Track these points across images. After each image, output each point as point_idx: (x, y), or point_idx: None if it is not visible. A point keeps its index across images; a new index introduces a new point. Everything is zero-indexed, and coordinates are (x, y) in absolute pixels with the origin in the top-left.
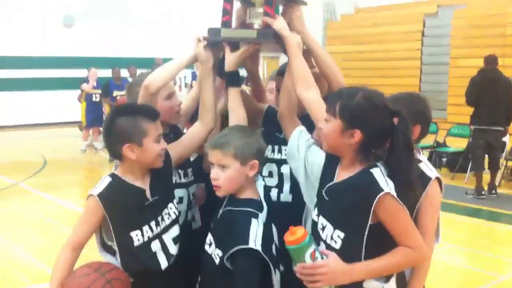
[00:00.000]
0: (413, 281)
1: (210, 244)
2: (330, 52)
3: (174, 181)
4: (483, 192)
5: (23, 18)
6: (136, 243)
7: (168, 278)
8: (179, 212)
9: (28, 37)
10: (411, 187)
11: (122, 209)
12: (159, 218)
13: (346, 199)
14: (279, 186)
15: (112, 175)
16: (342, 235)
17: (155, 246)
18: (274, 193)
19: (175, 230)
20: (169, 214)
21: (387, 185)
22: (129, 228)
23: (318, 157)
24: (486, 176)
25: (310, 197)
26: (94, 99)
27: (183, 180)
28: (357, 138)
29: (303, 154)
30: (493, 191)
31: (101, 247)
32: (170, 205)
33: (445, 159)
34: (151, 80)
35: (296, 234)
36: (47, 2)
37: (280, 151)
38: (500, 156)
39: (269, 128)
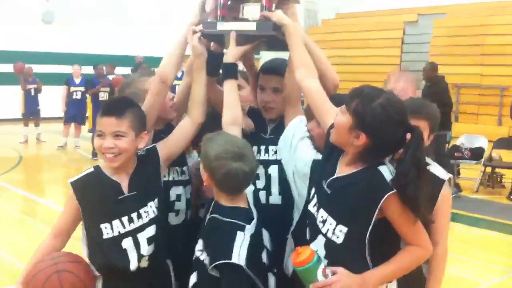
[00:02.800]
0: (431, 283)
1: (202, 251)
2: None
3: (172, 179)
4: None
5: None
6: (105, 236)
7: (139, 279)
8: (181, 211)
9: (9, 32)
10: (415, 205)
11: (93, 199)
12: (134, 215)
13: (353, 195)
14: (267, 188)
15: (95, 167)
16: (345, 230)
17: (127, 243)
18: (262, 195)
19: (151, 230)
20: (147, 212)
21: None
22: (99, 220)
23: (305, 153)
24: (463, 182)
25: (297, 188)
26: (75, 96)
27: (180, 178)
28: (361, 141)
29: (295, 144)
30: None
31: (82, 239)
32: (151, 203)
33: None
34: (164, 72)
35: (303, 254)
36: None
37: (267, 151)
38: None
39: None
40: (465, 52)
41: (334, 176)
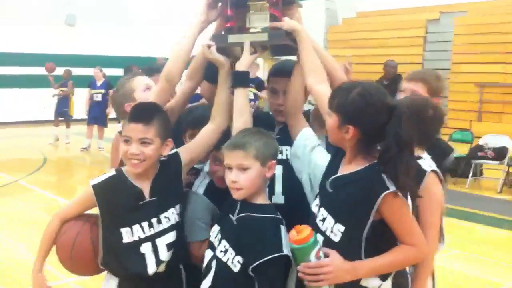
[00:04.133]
0: (417, 281)
1: (225, 252)
2: (331, 56)
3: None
4: None
5: (26, 15)
6: (125, 240)
7: (155, 283)
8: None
9: (31, 35)
10: (402, 186)
11: (113, 203)
12: (154, 220)
13: (351, 193)
14: (271, 187)
15: (117, 170)
16: (342, 228)
17: (146, 248)
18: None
19: (171, 236)
20: (168, 218)
21: (392, 184)
22: (119, 224)
23: (322, 160)
24: (486, 182)
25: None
26: (95, 98)
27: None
28: (351, 134)
29: (308, 155)
30: None
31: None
32: (172, 209)
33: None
34: (169, 71)
35: (302, 233)
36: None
37: None
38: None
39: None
40: (488, 50)
41: (336, 175)
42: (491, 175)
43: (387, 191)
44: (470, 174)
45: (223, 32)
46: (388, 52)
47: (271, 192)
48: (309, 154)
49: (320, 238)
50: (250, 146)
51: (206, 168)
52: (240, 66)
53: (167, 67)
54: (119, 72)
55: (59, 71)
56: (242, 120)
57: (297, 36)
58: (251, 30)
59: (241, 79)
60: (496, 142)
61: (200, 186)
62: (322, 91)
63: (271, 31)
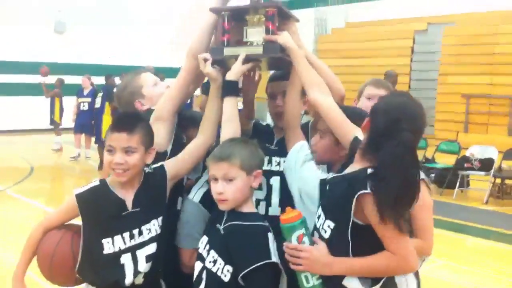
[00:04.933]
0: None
1: (214, 262)
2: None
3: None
4: None
5: (14, 23)
6: (105, 251)
7: None
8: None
9: (20, 42)
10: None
11: (96, 213)
12: (135, 231)
13: (339, 190)
14: (267, 199)
15: (101, 181)
16: (332, 225)
17: (125, 259)
18: (262, 206)
19: (151, 248)
20: (150, 230)
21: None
22: (101, 234)
23: (312, 176)
24: (473, 193)
25: (304, 207)
26: (82, 107)
27: None
28: (365, 124)
29: (299, 168)
30: None
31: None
32: (154, 221)
33: (433, 175)
34: (196, 49)
35: (289, 214)
36: (39, 8)
37: (270, 161)
38: None
39: (258, 140)
40: (475, 61)
41: (335, 175)
42: (477, 186)
43: (363, 191)
44: (457, 185)
45: (219, 45)
46: (376, 62)
47: (268, 204)
48: (300, 167)
49: (316, 235)
50: (235, 157)
51: (206, 176)
52: (230, 75)
53: (192, 43)
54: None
55: (51, 79)
56: (230, 129)
57: (290, 52)
58: (247, 44)
59: (230, 88)
60: (482, 153)
61: (197, 194)
62: (327, 104)
63: (266, 45)
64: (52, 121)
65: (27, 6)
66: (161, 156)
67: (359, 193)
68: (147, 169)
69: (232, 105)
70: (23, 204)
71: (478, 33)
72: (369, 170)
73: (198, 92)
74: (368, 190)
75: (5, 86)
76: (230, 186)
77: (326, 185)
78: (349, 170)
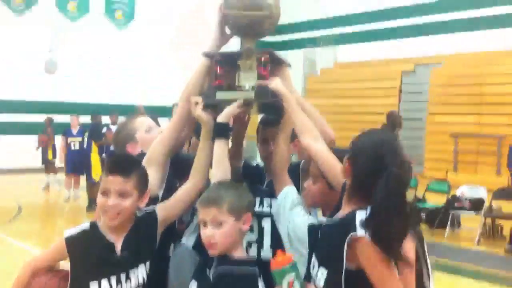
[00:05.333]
0: None
1: None
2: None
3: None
4: None
5: (5, 61)
6: None
7: None
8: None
9: (9, 81)
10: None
11: (85, 256)
12: (123, 276)
13: (330, 236)
14: (259, 241)
15: (91, 223)
16: (325, 272)
17: None
18: (254, 248)
19: None
20: (137, 276)
21: (362, 229)
22: (88, 277)
23: (301, 220)
24: (464, 233)
25: (293, 249)
26: (73, 147)
27: None
28: (346, 168)
29: (287, 213)
30: None
31: None
32: (142, 266)
33: (424, 214)
34: (190, 91)
35: (279, 258)
36: (30, 47)
37: (261, 203)
38: None
39: (249, 181)
40: (463, 101)
41: (326, 222)
42: (468, 226)
43: (354, 233)
44: (448, 225)
45: (212, 89)
46: (364, 102)
47: (260, 246)
48: (289, 212)
49: (312, 284)
50: (223, 201)
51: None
52: (221, 117)
53: (186, 87)
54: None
55: (39, 118)
56: (220, 172)
57: (282, 97)
58: (239, 88)
59: (221, 131)
60: (472, 193)
61: (189, 239)
62: (319, 149)
63: (258, 90)
64: (46, 160)
65: (17, 45)
66: (152, 200)
67: (350, 236)
68: (138, 213)
69: (222, 148)
70: (10, 245)
71: (465, 73)
72: (359, 213)
73: None
74: (360, 233)
75: None
76: (219, 231)
77: (316, 231)
78: (338, 216)
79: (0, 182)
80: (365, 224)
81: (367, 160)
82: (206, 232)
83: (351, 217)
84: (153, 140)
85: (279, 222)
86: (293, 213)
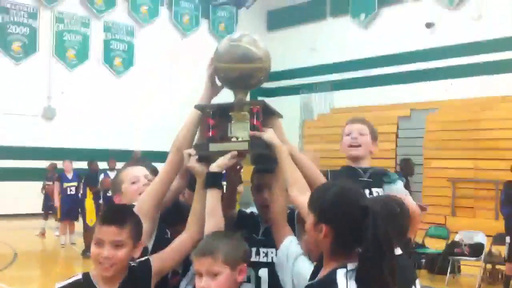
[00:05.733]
0: None
1: None
2: (307, 150)
3: None
4: None
5: (5, 108)
6: None
7: None
8: None
9: (7, 127)
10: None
11: None
12: None
13: None
14: None
15: (84, 274)
16: None
17: None
18: None
19: None
20: None
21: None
22: None
23: (305, 269)
24: (465, 279)
25: None
26: (69, 192)
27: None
28: (324, 233)
29: (291, 265)
30: None
31: None
32: None
33: (423, 260)
34: (180, 142)
35: None
36: (29, 94)
37: (258, 253)
38: None
39: (244, 230)
40: (459, 146)
41: (309, 283)
42: (469, 272)
43: None
44: (448, 271)
45: (205, 141)
46: None
47: None
48: (292, 264)
49: None
50: (218, 251)
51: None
52: (213, 167)
53: (176, 138)
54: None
55: (38, 163)
56: (212, 223)
57: (275, 149)
58: (232, 140)
59: (213, 180)
60: (471, 238)
61: None
62: (304, 202)
63: (252, 141)
64: (49, 206)
65: (17, 92)
66: (142, 252)
67: None
68: (132, 263)
69: (215, 197)
70: None
71: (461, 119)
72: (339, 271)
73: None
74: None
75: None
76: (214, 282)
77: None
78: (319, 276)
79: None
80: (356, 276)
81: (349, 213)
82: (201, 284)
83: (330, 277)
84: (137, 192)
85: (282, 273)
86: (297, 264)
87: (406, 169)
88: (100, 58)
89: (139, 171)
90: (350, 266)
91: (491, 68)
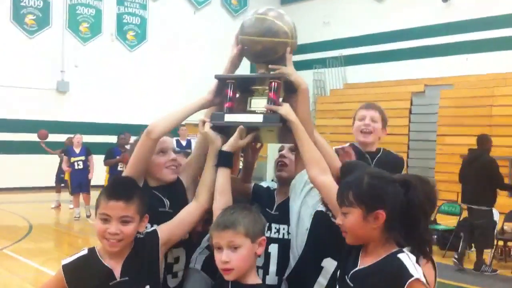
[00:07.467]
0: None
1: None
2: (319, 125)
3: None
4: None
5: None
6: None
7: None
8: None
9: (23, 101)
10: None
11: (82, 285)
12: None
13: (374, 285)
14: (265, 267)
15: (90, 249)
16: None
17: None
18: (259, 274)
19: None
20: None
21: (416, 270)
22: None
23: (315, 192)
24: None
25: (296, 237)
26: (76, 166)
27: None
28: (382, 219)
29: (305, 187)
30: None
31: None
32: None
33: (435, 236)
34: (153, 125)
35: None
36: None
37: (269, 228)
38: (485, 234)
39: (259, 204)
40: (472, 123)
41: (356, 269)
42: None
43: (412, 278)
44: (460, 248)
45: (221, 111)
46: None
47: (265, 272)
48: (306, 186)
49: None
50: (240, 224)
51: (205, 242)
52: (226, 146)
53: (153, 122)
54: (111, 139)
55: (52, 137)
56: (222, 200)
57: (291, 125)
58: (249, 113)
59: (224, 159)
60: None
61: (198, 261)
62: (325, 183)
63: (267, 115)
64: (61, 179)
65: (30, 66)
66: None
67: (408, 281)
68: (138, 234)
69: (225, 177)
70: (21, 264)
71: (476, 95)
72: (402, 256)
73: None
74: (415, 276)
75: (6, 144)
76: (235, 255)
77: (344, 280)
78: (365, 263)
79: (10, 200)
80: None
81: (396, 191)
82: (222, 257)
83: (397, 263)
84: (164, 166)
85: (296, 194)
86: (310, 194)
87: (483, 145)
88: (113, 32)
89: (169, 143)
90: (405, 251)
91: (507, 44)
